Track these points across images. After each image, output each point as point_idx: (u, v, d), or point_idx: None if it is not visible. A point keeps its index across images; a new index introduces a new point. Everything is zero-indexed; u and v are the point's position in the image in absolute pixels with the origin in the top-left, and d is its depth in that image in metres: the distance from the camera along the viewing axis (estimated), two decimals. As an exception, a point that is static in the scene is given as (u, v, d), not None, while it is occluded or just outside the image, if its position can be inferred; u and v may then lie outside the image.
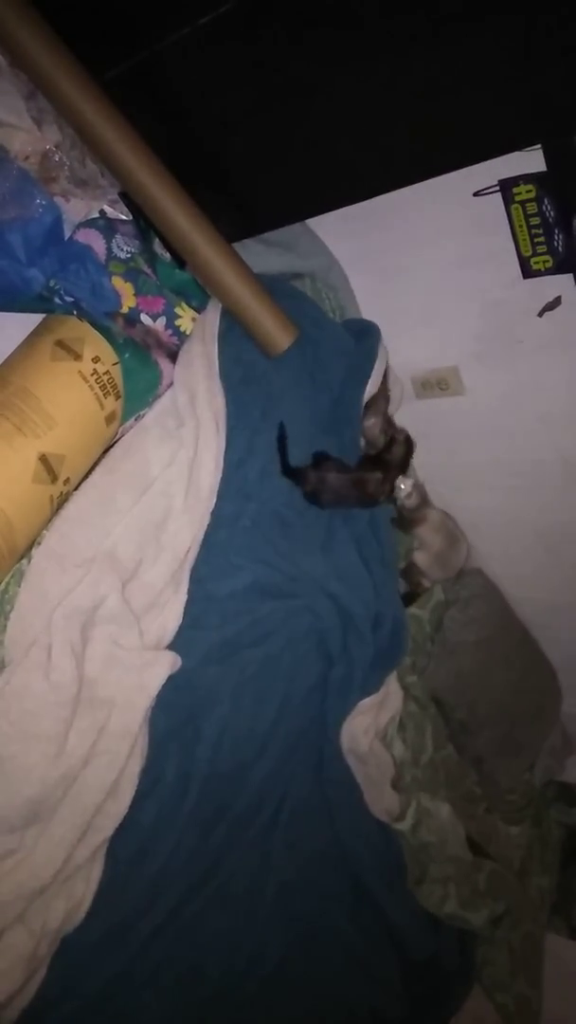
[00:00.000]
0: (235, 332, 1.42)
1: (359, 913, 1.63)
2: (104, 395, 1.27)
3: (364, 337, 1.62)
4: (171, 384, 1.41)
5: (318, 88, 1.16)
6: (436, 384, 1.77)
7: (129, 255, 1.40)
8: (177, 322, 1.43)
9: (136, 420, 1.38)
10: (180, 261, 1.40)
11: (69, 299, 1.30)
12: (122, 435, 1.37)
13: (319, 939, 1.57)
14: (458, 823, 1.79)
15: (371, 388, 1.56)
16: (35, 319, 1.36)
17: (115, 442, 1.36)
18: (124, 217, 1.41)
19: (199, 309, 1.45)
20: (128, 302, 1.35)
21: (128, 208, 1.40)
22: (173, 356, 1.44)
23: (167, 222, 1.25)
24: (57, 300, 1.30)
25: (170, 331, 1.44)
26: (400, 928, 1.67)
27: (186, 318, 1.44)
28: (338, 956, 1.59)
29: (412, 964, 1.68)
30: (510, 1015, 1.80)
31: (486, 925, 1.82)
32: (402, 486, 1.70)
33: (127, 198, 1.38)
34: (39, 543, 1.22)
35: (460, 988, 1.78)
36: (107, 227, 1.38)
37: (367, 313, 1.73)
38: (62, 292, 1.30)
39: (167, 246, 1.38)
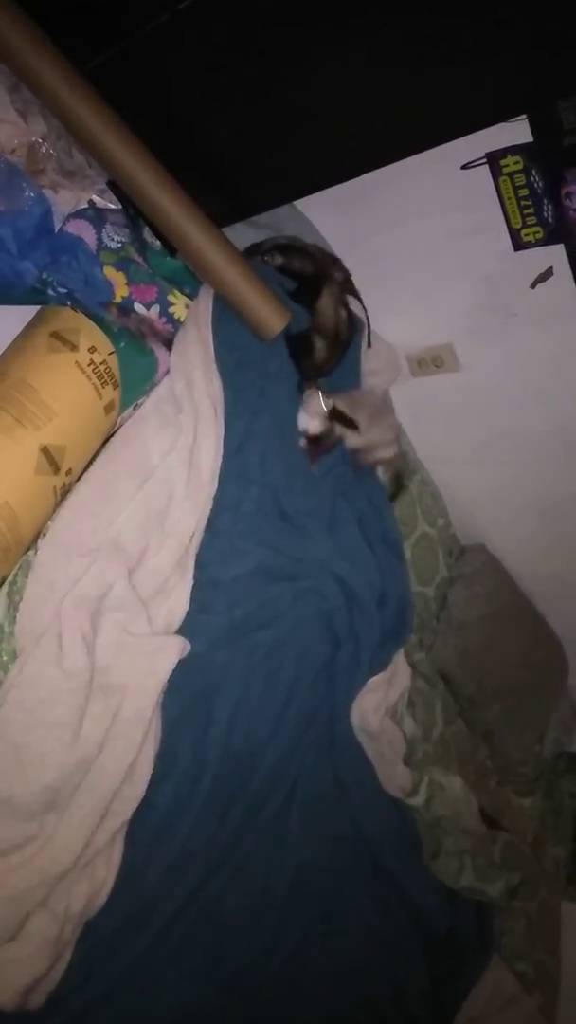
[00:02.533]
0: (228, 317, 1.42)
1: (376, 889, 1.65)
2: (102, 385, 1.27)
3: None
4: (168, 371, 1.42)
5: (299, 68, 1.16)
6: (431, 361, 1.78)
7: (120, 244, 1.40)
8: (171, 309, 1.43)
9: (135, 409, 1.38)
10: (171, 248, 1.40)
11: (62, 290, 1.30)
12: (121, 424, 1.37)
13: (338, 917, 1.58)
14: (471, 796, 1.80)
15: (367, 363, 1.56)
16: (29, 312, 1.37)
17: (114, 432, 1.37)
18: (113, 206, 1.42)
19: (192, 296, 1.45)
20: (121, 291, 1.36)
21: (116, 197, 1.40)
22: (168, 343, 1.44)
23: (156, 210, 1.25)
24: (51, 292, 1.30)
25: (164, 319, 1.44)
26: (418, 902, 1.68)
27: (179, 305, 1.44)
28: (357, 933, 1.61)
29: (431, 937, 1.70)
30: (530, 982, 1.82)
31: (503, 896, 1.84)
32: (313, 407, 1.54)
33: (115, 187, 1.38)
34: (44, 534, 1.23)
35: (479, 958, 1.80)
36: (97, 217, 1.38)
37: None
38: (55, 284, 1.30)
39: (157, 234, 1.38)
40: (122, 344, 1.32)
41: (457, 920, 1.76)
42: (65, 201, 1.33)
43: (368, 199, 1.53)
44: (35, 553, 1.21)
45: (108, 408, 1.31)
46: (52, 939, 1.13)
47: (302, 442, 1.54)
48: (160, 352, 1.42)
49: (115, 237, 1.39)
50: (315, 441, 1.53)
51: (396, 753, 1.67)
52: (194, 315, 1.41)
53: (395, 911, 1.67)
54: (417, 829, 1.72)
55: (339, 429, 1.54)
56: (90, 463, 1.33)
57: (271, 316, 1.38)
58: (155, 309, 1.42)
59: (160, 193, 1.23)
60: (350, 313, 1.56)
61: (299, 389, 1.53)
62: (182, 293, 1.45)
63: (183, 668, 1.32)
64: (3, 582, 1.20)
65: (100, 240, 1.37)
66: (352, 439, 1.57)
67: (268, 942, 1.48)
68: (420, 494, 1.91)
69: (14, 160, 1.27)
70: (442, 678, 1.90)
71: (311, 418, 1.51)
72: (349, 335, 1.56)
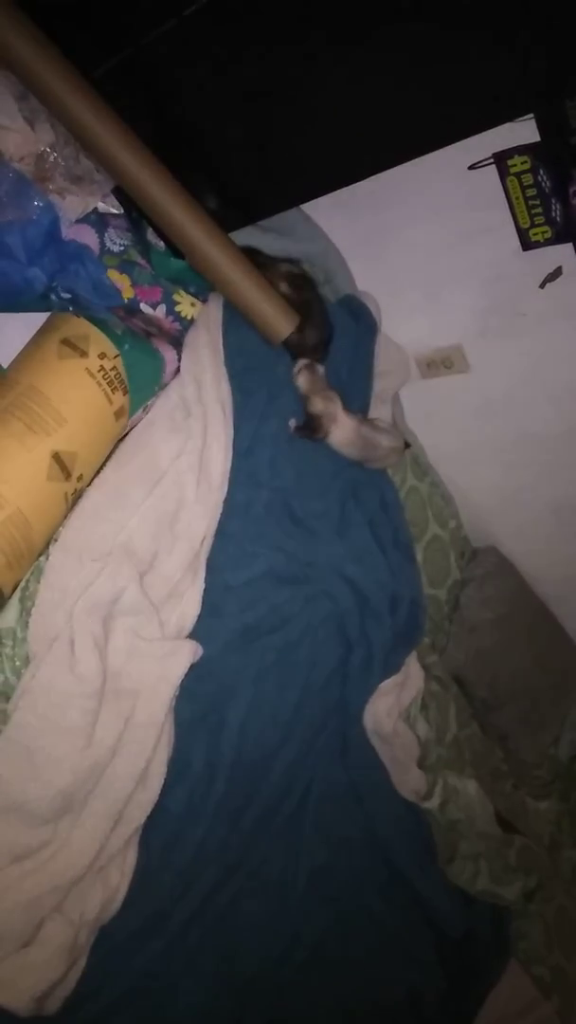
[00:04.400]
0: (237, 322, 1.43)
1: (392, 894, 1.64)
2: (112, 390, 1.28)
3: (362, 315, 1.62)
4: (176, 371, 1.42)
5: (305, 71, 1.16)
6: (441, 363, 1.77)
7: (122, 248, 1.41)
8: (177, 308, 1.44)
9: (144, 411, 1.38)
10: (175, 250, 1.40)
11: (66, 296, 1.31)
12: (131, 427, 1.38)
13: (353, 921, 1.58)
14: (486, 799, 1.79)
15: (378, 365, 1.56)
16: (39, 319, 1.37)
17: (125, 436, 1.37)
18: (115, 211, 1.42)
19: (198, 295, 1.46)
20: (126, 293, 1.37)
21: (120, 201, 1.41)
22: (176, 343, 1.45)
23: (164, 217, 1.26)
24: (54, 297, 1.31)
25: (171, 318, 1.45)
26: (434, 906, 1.67)
27: (185, 304, 1.45)
28: (373, 937, 1.60)
29: (447, 941, 1.69)
30: (547, 986, 1.81)
31: (519, 899, 1.83)
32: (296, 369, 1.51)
33: (119, 191, 1.39)
34: (56, 540, 1.23)
35: (496, 963, 1.79)
36: (99, 221, 1.39)
37: (365, 297, 1.73)
38: (59, 289, 1.31)
39: (163, 237, 1.39)
40: (126, 346, 1.32)
41: (473, 924, 1.75)
42: (72, 207, 1.33)
43: (376, 201, 1.53)
44: (47, 559, 1.22)
45: (118, 413, 1.31)
46: (67, 945, 1.13)
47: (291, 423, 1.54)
48: (167, 352, 1.42)
49: (118, 241, 1.40)
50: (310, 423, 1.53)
51: (410, 757, 1.66)
52: (205, 318, 1.42)
53: (411, 915, 1.66)
54: (432, 833, 1.72)
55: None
56: (101, 468, 1.33)
57: (279, 321, 1.38)
58: (161, 309, 1.43)
59: (167, 199, 1.24)
60: (298, 290, 1.49)
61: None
62: (188, 293, 1.45)
63: (195, 672, 1.32)
64: (16, 587, 1.20)
65: (103, 244, 1.38)
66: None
67: (283, 946, 1.48)
68: (431, 496, 1.90)
69: (22, 168, 1.28)
70: (455, 681, 1.89)
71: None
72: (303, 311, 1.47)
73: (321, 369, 1.51)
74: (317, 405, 1.50)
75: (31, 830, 1.13)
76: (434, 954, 1.67)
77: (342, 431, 1.53)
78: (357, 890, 1.59)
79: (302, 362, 1.50)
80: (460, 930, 1.72)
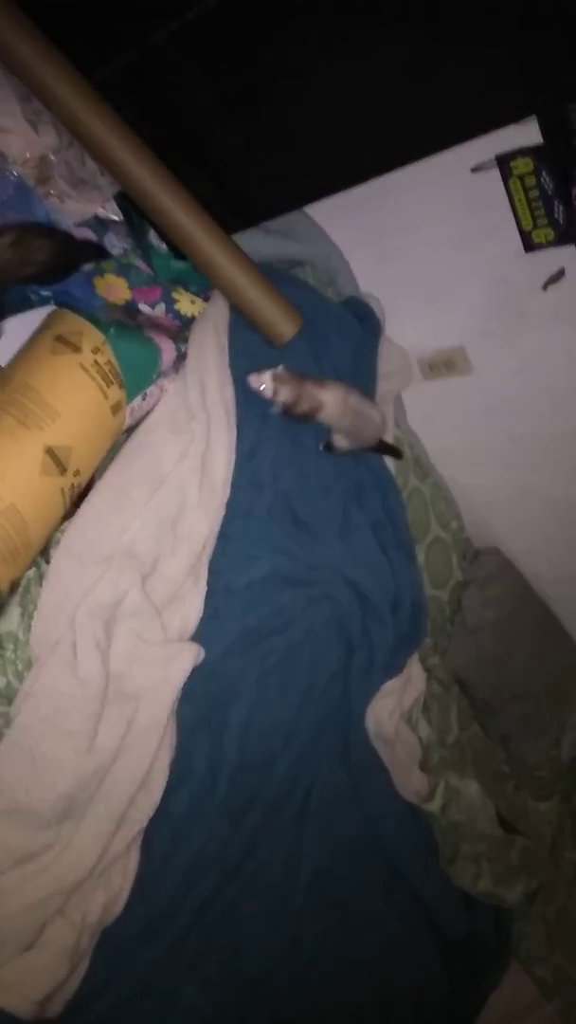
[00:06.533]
0: (241, 323, 1.42)
1: (394, 895, 1.64)
2: (107, 385, 1.27)
3: (367, 316, 1.62)
4: (175, 360, 1.41)
5: (307, 74, 1.16)
6: (443, 365, 1.77)
7: (121, 251, 1.42)
8: (176, 306, 1.45)
9: (143, 399, 1.37)
10: (178, 252, 1.40)
11: (45, 293, 1.32)
12: (132, 422, 1.37)
13: (355, 923, 1.58)
14: (488, 801, 1.79)
15: (381, 367, 1.56)
16: (37, 319, 1.37)
17: (128, 435, 1.37)
18: (115, 218, 1.42)
19: (198, 293, 1.46)
20: (123, 295, 1.38)
21: (119, 208, 1.41)
22: (175, 337, 1.44)
23: (167, 219, 1.25)
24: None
25: (171, 315, 1.45)
26: (435, 908, 1.68)
27: (184, 301, 1.45)
28: (374, 939, 1.60)
29: (449, 943, 1.69)
30: (548, 988, 1.81)
31: (521, 901, 1.83)
32: (260, 387, 1.40)
33: (121, 198, 1.39)
34: (57, 543, 1.23)
35: (498, 964, 1.79)
36: (98, 226, 1.40)
37: (369, 298, 1.73)
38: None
39: (166, 241, 1.39)
40: (111, 330, 1.31)
41: (475, 925, 1.75)
42: (72, 213, 1.33)
43: (378, 203, 1.52)
44: (48, 562, 1.21)
45: (115, 408, 1.30)
46: (69, 948, 1.13)
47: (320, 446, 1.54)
48: (164, 343, 1.42)
49: (117, 244, 1.41)
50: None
51: (412, 758, 1.66)
52: (212, 319, 1.42)
53: (412, 917, 1.66)
54: (433, 834, 1.72)
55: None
56: (102, 468, 1.33)
57: (283, 322, 1.38)
58: (160, 307, 1.44)
59: (169, 201, 1.24)
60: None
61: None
62: (187, 291, 1.45)
63: (197, 675, 1.32)
64: (15, 586, 1.20)
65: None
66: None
67: (285, 948, 1.48)
68: (433, 497, 1.90)
69: (24, 172, 1.28)
70: (457, 682, 1.89)
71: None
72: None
73: (281, 368, 1.42)
74: (302, 406, 1.44)
75: (33, 833, 1.13)
76: (436, 955, 1.67)
77: (331, 408, 1.46)
78: (358, 892, 1.60)
79: (265, 376, 1.40)
80: (462, 931, 1.72)
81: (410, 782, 1.65)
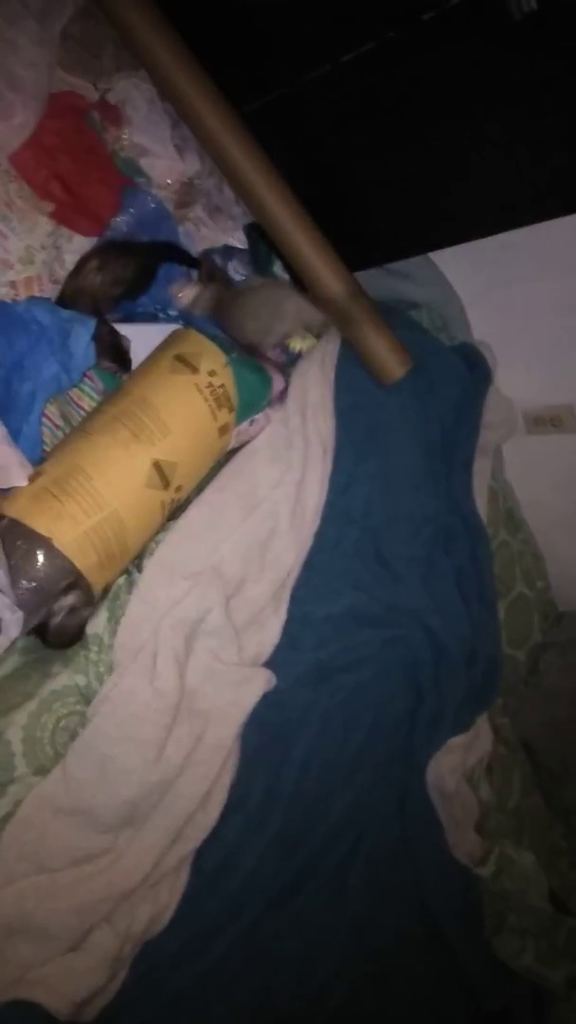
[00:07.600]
0: (348, 358, 1.44)
1: (432, 955, 1.59)
2: (218, 407, 1.30)
3: (478, 364, 1.61)
4: (282, 393, 1.43)
5: (451, 126, 1.17)
6: (549, 421, 1.74)
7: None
8: (287, 341, 1.46)
9: (249, 424, 1.39)
10: (303, 287, 1.43)
11: (173, 313, 1.37)
12: (236, 445, 1.39)
13: (390, 977, 1.53)
14: (542, 874, 1.72)
15: (486, 416, 1.54)
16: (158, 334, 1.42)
17: (229, 459, 1.39)
18: (240, 246, 1.47)
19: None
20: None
21: (248, 239, 1.45)
22: (281, 370, 1.47)
23: (296, 253, 1.28)
24: (161, 315, 1.35)
25: (278, 349, 1.48)
26: (473, 975, 1.61)
27: (295, 337, 1.47)
28: (407, 996, 1.55)
29: (484, 1014, 1.62)
30: None
31: (563, 984, 1.74)
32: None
33: (249, 230, 1.43)
34: (150, 554, 1.26)
35: (532, 1046, 1.71)
36: (225, 252, 1.44)
37: (481, 346, 1.72)
38: (167, 308, 1.38)
39: (292, 276, 1.42)
40: (233, 354, 1.35)
41: (512, 1001, 1.67)
42: (205, 240, 1.38)
43: (504, 254, 1.52)
44: (140, 572, 1.24)
45: (222, 430, 1.33)
46: (111, 955, 1.14)
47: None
48: (275, 374, 1.45)
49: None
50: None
51: (469, 818, 1.61)
52: (320, 354, 1.43)
53: (449, 980, 1.60)
54: (481, 900, 1.66)
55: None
56: (201, 486, 1.36)
57: (394, 362, 1.39)
58: None
59: (300, 237, 1.27)
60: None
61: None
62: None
63: (265, 702, 1.32)
64: (108, 590, 1.23)
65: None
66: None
67: (316, 992, 1.45)
68: (522, 553, 1.86)
69: (166, 196, 1.33)
70: (524, 747, 1.83)
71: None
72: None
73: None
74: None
75: (93, 836, 1.15)
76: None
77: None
78: (397, 946, 1.55)
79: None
80: (497, 1004, 1.65)
81: (464, 842, 1.60)
